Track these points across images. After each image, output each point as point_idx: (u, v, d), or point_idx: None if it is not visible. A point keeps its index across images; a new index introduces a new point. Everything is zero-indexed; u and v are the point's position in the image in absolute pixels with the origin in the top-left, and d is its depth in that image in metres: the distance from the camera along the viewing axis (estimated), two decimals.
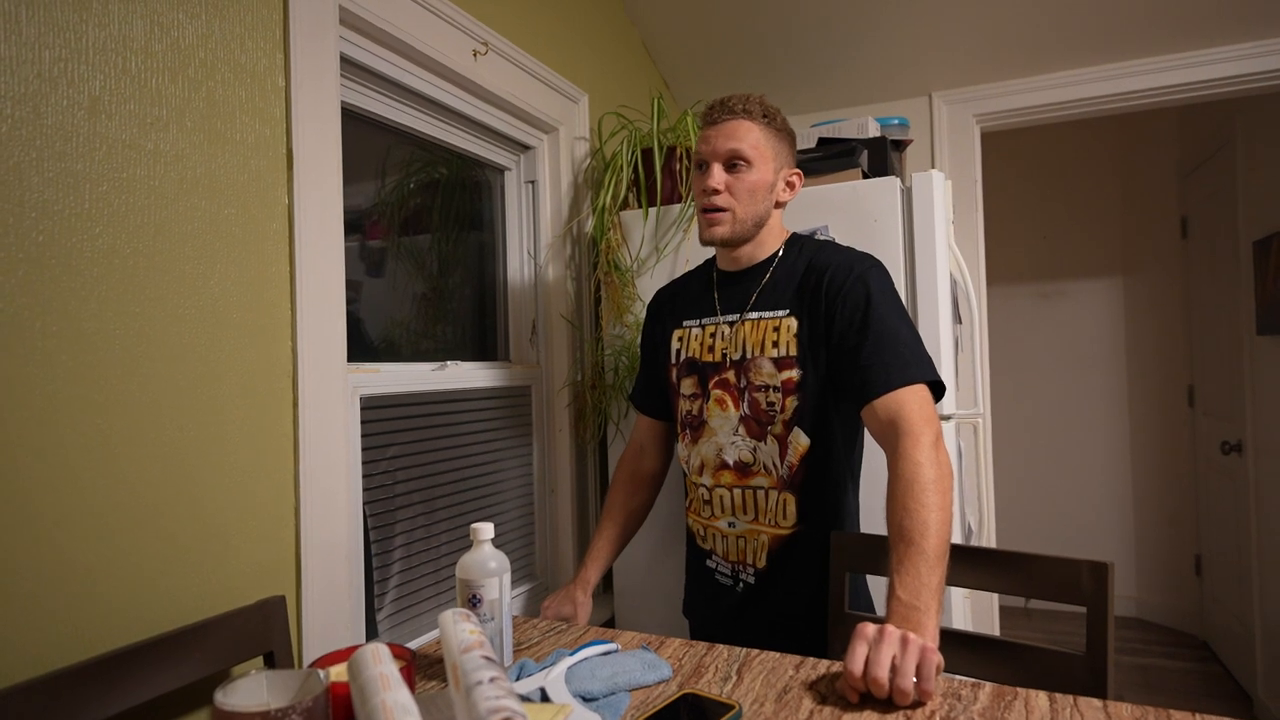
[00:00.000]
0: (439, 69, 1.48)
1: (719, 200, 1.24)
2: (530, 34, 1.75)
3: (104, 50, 0.90)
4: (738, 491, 1.29)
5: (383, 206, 1.53)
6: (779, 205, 1.29)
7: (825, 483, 1.25)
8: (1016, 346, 3.88)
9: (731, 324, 1.30)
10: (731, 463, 1.28)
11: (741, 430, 1.27)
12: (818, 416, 1.23)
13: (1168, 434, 3.58)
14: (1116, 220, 3.74)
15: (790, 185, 1.30)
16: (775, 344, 1.24)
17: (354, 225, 1.44)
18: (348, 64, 1.32)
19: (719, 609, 1.34)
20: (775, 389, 1.24)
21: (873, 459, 1.32)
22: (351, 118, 1.38)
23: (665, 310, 1.44)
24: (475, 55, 1.54)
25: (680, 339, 1.38)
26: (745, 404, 1.27)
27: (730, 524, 1.30)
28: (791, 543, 1.25)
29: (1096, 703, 0.82)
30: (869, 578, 1.31)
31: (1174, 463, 3.56)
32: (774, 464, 1.25)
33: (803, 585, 1.25)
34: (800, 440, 1.23)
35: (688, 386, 1.35)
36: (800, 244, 1.31)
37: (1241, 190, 2.77)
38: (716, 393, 1.30)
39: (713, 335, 1.32)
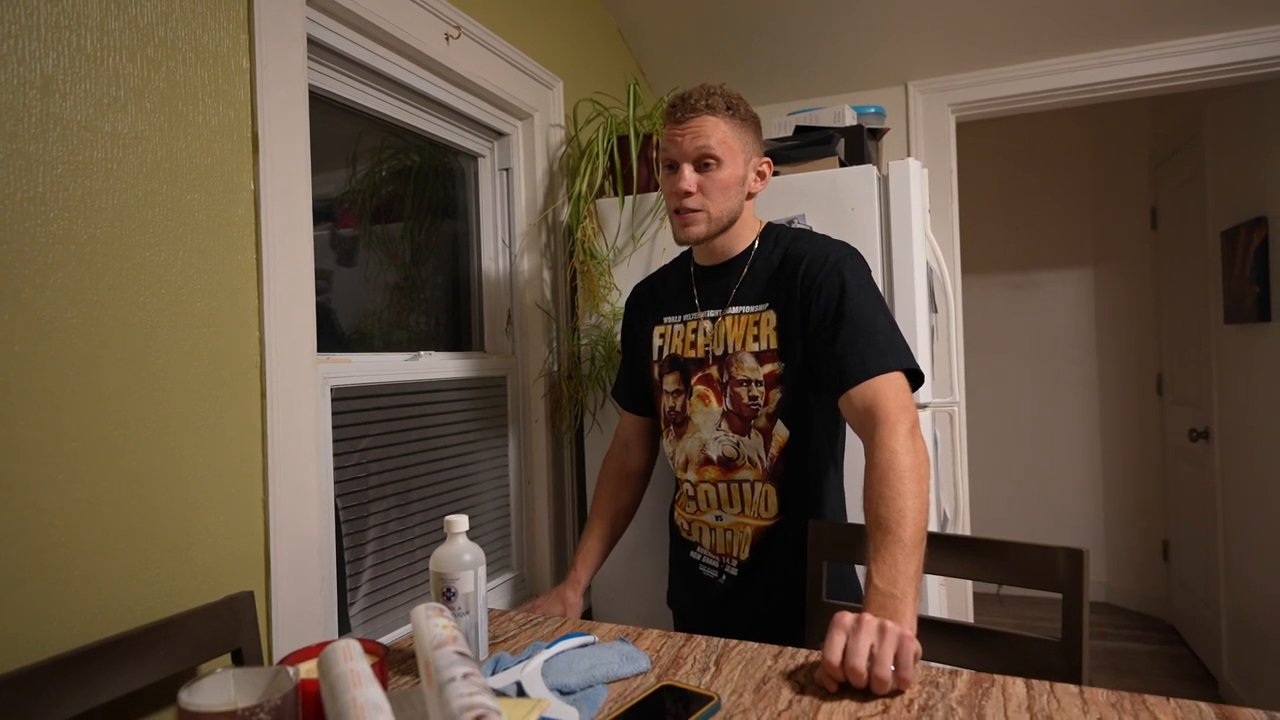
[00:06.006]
0: (410, 52, 1.45)
1: (691, 202, 1.22)
2: (503, 18, 1.72)
3: (57, 27, 0.86)
4: (723, 486, 1.28)
5: (354, 194, 1.50)
6: (750, 196, 1.28)
7: (805, 473, 1.24)
8: (990, 336, 3.92)
9: (713, 319, 1.29)
10: (715, 458, 1.28)
11: (724, 425, 1.26)
12: (798, 408, 1.22)
13: (1137, 422, 3.64)
14: (1088, 210, 3.78)
15: (761, 175, 1.28)
16: (756, 338, 1.24)
17: (325, 213, 1.41)
18: (315, 46, 1.28)
19: (703, 601, 1.34)
20: (757, 383, 1.23)
21: (858, 448, 1.32)
22: (320, 102, 1.35)
23: (645, 306, 1.43)
24: (447, 39, 1.51)
25: (662, 335, 1.37)
26: (728, 399, 1.26)
27: (718, 517, 1.30)
28: (773, 533, 1.25)
29: (1073, 689, 0.82)
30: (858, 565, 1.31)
31: (1143, 450, 3.62)
32: (759, 457, 1.24)
33: (785, 575, 1.25)
34: (781, 432, 1.23)
35: (670, 383, 1.34)
36: (776, 234, 1.30)
37: (1210, 181, 2.81)
38: (699, 388, 1.29)
39: (695, 331, 1.31)
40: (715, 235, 1.26)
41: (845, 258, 1.21)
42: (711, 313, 1.30)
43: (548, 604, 1.33)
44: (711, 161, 1.20)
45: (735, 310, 1.27)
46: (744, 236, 1.29)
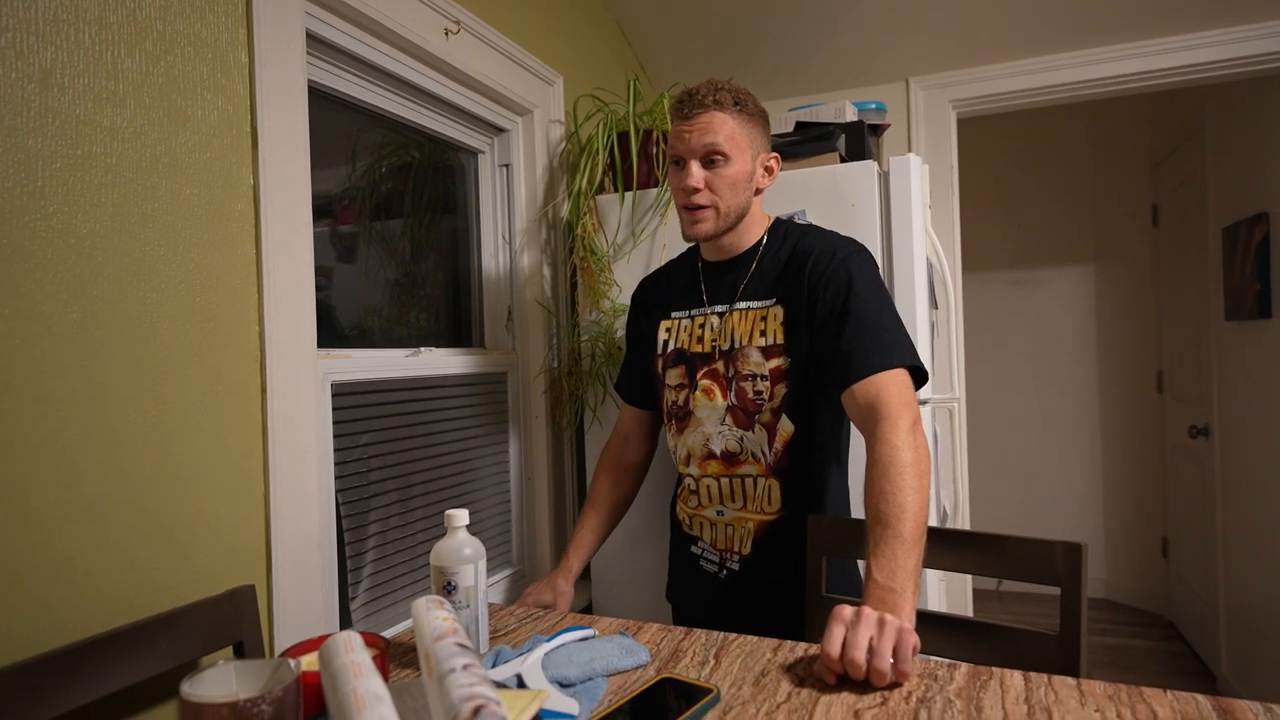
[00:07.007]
0: (410, 48, 1.45)
1: (700, 199, 1.21)
2: (503, 13, 1.72)
3: (55, 21, 0.86)
4: (725, 480, 1.28)
5: (354, 191, 1.50)
6: (758, 192, 1.28)
7: (809, 468, 1.24)
8: (990, 332, 3.92)
9: (721, 315, 1.29)
10: (718, 452, 1.28)
11: (729, 420, 1.26)
12: (804, 403, 1.22)
13: (1138, 419, 3.64)
14: (1089, 207, 3.78)
15: (769, 170, 1.27)
16: (763, 333, 1.24)
17: (325, 210, 1.41)
18: (314, 41, 1.28)
19: (704, 595, 1.34)
20: (763, 377, 1.23)
21: (862, 443, 1.32)
22: (319, 98, 1.35)
23: (651, 300, 1.43)
24: (447, 34, 1.51)
25: (669, 330, 1.36)
26: (732, 394, 1.26)
27: (719, 512, 1.30)
28: (776, 528, 1.25)
29: (1070, 681, 0.83)
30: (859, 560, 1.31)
31: (1143, 447, 3.62)
32: (762, 452, 1.24)
33: (787, 570, 1.25)
34: (786, 427, 1.23)
35: (674, 377, 1.34)
36: (784, 230, 1.30)
37: (1211, 177, 2.81)
38: (704, 383, 1.28)
39: (702, 326, 1.31)
40: (723, 232, 1.26)
41: (853, 254, 1.21)
42: (719, 308, 1.30)
43: (539, 591, 1.33)
44: (719, 158, 1.20)
45: (743, 305, 1.27)
46: (752, 232, 1.29)
